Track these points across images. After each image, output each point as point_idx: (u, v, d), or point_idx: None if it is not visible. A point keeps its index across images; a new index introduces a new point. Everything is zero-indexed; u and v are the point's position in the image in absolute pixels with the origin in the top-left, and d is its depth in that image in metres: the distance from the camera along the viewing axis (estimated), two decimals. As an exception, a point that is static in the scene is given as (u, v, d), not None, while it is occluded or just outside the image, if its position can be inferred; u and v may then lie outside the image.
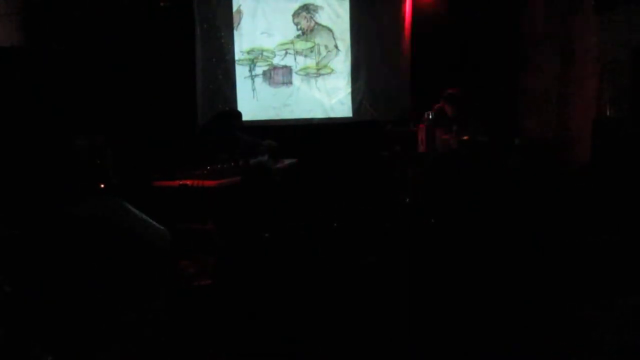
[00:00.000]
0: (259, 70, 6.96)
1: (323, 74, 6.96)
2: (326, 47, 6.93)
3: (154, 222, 3.01)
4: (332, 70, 6.95)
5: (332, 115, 6.96)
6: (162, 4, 6.11)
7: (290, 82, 6.98)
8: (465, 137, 4.88)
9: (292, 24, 6.90)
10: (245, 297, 3.34)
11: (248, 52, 6.93)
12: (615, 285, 2.90)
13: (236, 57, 6.92)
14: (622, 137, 4.54)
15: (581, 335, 2.49)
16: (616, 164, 4.46)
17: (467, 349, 2.53)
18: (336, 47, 6.93)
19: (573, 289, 3.00)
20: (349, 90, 6.94)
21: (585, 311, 2.66)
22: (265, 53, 6.93)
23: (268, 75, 6.97)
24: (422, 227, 4.53)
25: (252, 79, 6.97)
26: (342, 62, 6.95)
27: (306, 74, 6.96)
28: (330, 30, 6.92)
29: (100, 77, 5.93)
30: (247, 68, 6.95)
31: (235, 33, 6.88)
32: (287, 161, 5.53)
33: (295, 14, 6.88)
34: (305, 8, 6.87)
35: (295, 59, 6.94)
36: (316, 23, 6.89)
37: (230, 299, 3.37)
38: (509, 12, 6.30)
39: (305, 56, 6.94)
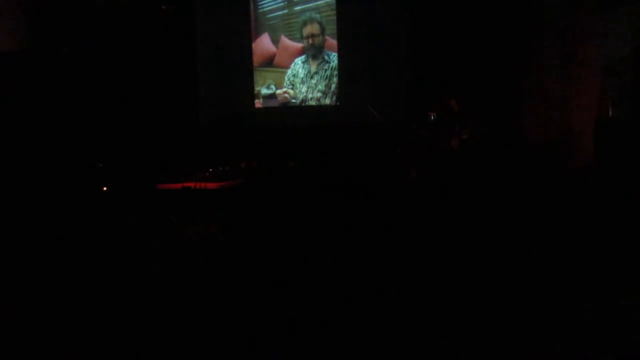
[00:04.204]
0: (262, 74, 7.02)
1: (326, 77, 6.98)
2: (329, 50, 6.96)
3: None
4: (335, 72, 6.97)
5: (335, 117, 6.97)
6: (163, 7, 6.15)
7: (293, 85, 7.02)
8: (464, 136, 4.88)
9: (299, 34, 6.97)
10: (249, 298, 3.35)
11: (251, 56, 6.99)
12: (616, 286, 2.90)
13: (239, 60, 6.97)
14: (624, 137, 4.53)
15: (581, 336, 2.49)
16: (618, 164, 4.45)
17: (467, 349, 2.53)
18: (339, 49, 6.94)
19: (574, 290, 3.00)
20: (352, 92, 6.95)
21: (586, 311, 2.66)
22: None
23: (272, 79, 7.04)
24: (423, 226, 4.53)
25: (255, 82, 7.03)
26: (344, 65, 6.96)
27: (309, 76, 6.99)
28: (333, 34, 6.94)
29: (104, 80, 5.97)
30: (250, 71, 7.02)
31: (239, 37, 6.94)
32: (290, 163, 5.54)
33: (303, 25, 6.95)
34: (311, 20, 6.93)
35: (299, 63, 6.98)
36: (321, 30, 6.93)
37: (234, 299, 3.38)
38: (511, 12, 6.29)
39: (308, 60, 6.97)
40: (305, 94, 7.05)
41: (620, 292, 2.79)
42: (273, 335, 2.76)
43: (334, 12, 6.91)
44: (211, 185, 4.58)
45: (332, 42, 6.95)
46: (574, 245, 3.56)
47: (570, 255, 3.43)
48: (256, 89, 7.09)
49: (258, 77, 7.10)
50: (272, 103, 7.11)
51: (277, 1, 6.98)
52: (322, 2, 6.91)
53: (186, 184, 4.54)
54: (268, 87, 7.09)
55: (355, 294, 3.24)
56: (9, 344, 2.55)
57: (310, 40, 6.96)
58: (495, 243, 3.77)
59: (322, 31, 6.94)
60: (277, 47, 7.03)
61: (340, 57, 6.93)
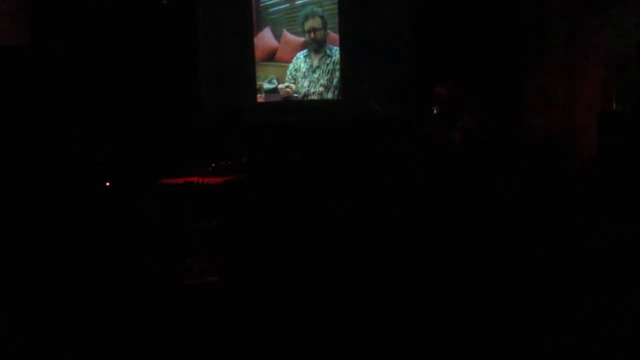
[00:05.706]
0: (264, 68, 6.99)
1: (328, 71, 6.95)
2: (331, 44, 6.92)
3: None
4: (337, 66, 6.94)
5: (337, 111, 6.95)
6: (164, 1, 6.13)
7: (295, 79, 7.00)
8: (467, 128, 4.86)
9: (300, 28, 6.93)
10: (250, 294, 3.36)
11: (253, 50, 6.96)
12: (617, 284, 2.89)
13: (240, 55, 6.94)
14: (628, 132, 4.50)
15: (582, 336, 2.49)
16: (622, 159, 4.42)
17: (467, 349, 2.53)
18: (341, 43, 6.91)
19: (574, 290, 2.99)
20: (353, 87, 6.92)
21: (586, 311, 2.66)
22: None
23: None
24: (423, 223, 4.52)
25: (257, 76, 7.01)
26: (345, 59, 6.92)
27: (311, 70, 6.97)
28: (335, 28, 6.90)
29: (105, 75, 5.97)
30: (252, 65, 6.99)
31: (239, 31, 6.92)
32: (291, 158, 5.54)
33: (305, 19, 6.91)
34: (313, 14, 6.90)
35: (301, 57, 6.96)
36: (323, 24, 6.89)
37: (236, 295, 3.39)
38: (514, 6, 6.24)
39: (310, 54, 6.95)
40: (307, 88, 7.03)
41: (620, 292, 2.78)
42: (273, 335, 2.77)
43: (336, 5, 6.86)
44: (214, 180, 4.58)
45: (334, 36, 6.90)
46: (574, 245, 3.55)
47: (570, 255, 3.43)
48: (258, 83, 7.08)
49: (260, 71, 7.08)
50: (274, 98, 7.09)
51: (278, -5, 6.96)
52: (324, -5, 6.88)
53: (189, 179, 4.56)
54: (270, 82, 7.08)
55: (355, 293, 3.24)
56: (9, 344, 2.56)
57: (312, 35, 6.92)
58: (495, 242, 3.77)
59: (324, 25, 6.91)
60: (278, 41, 7.00)
61: (342, 51, 6.90)
